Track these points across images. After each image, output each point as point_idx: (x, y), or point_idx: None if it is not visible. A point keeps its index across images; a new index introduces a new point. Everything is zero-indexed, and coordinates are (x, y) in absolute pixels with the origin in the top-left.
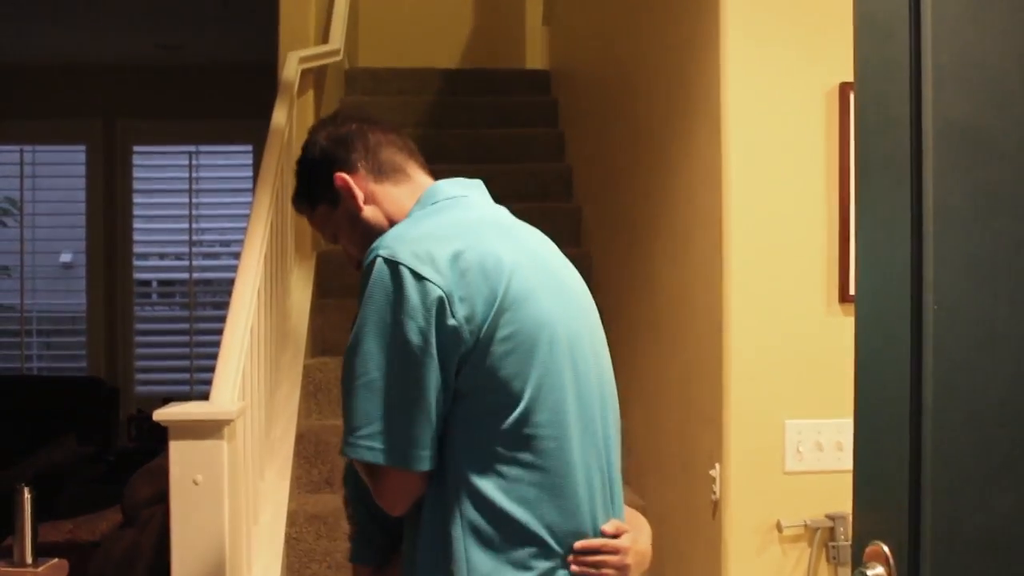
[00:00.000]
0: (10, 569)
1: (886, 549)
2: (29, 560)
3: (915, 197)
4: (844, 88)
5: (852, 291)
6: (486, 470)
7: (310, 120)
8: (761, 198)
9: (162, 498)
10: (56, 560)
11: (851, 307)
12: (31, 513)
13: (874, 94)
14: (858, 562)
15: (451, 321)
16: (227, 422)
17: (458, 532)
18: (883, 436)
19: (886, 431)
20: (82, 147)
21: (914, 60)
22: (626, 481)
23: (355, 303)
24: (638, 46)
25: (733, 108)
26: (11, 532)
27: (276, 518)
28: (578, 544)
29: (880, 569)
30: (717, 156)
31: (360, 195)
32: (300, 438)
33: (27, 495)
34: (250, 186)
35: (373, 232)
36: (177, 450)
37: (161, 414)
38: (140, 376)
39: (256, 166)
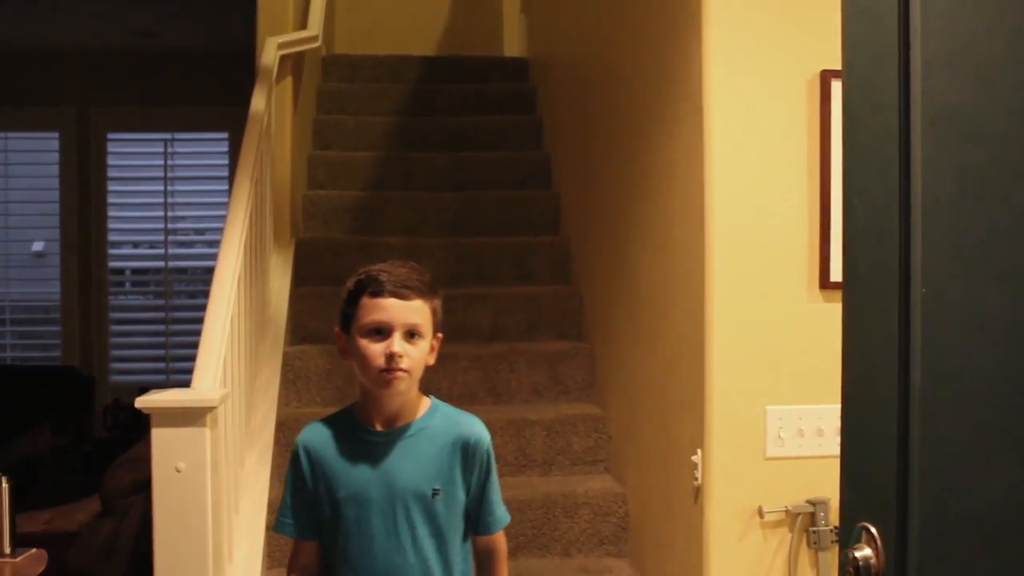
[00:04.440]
0: None
1: (874, 531)
2: (7, 550)
3: (903, 181)
4: (825, 75)
5: (833, 277)
6: None
7: (288, 106)
8: (742, 185)
9: (142, 487)
10: (35, 550)
11: (832, 293)
12: (9, 503)
13: (862, 79)
14: (845, 543)
15: None
16: (210, 409)
17: None
18: (871, 418)
19: (874, 413)
20: (55, 134)
21: (903, 46)
22: (605, 467)
23: (333, 291)
24: (619, 33)
25: (715, 96)
26: None
27: (257, 506)
28: None
29: (868, 551)
30: (699, 144)
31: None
32: (280, 426)
33: (5, 485)
34: (225, 174)
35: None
36: (160, 438)
37: (144, 401)
38: (115, 365)
39: (232, 154)
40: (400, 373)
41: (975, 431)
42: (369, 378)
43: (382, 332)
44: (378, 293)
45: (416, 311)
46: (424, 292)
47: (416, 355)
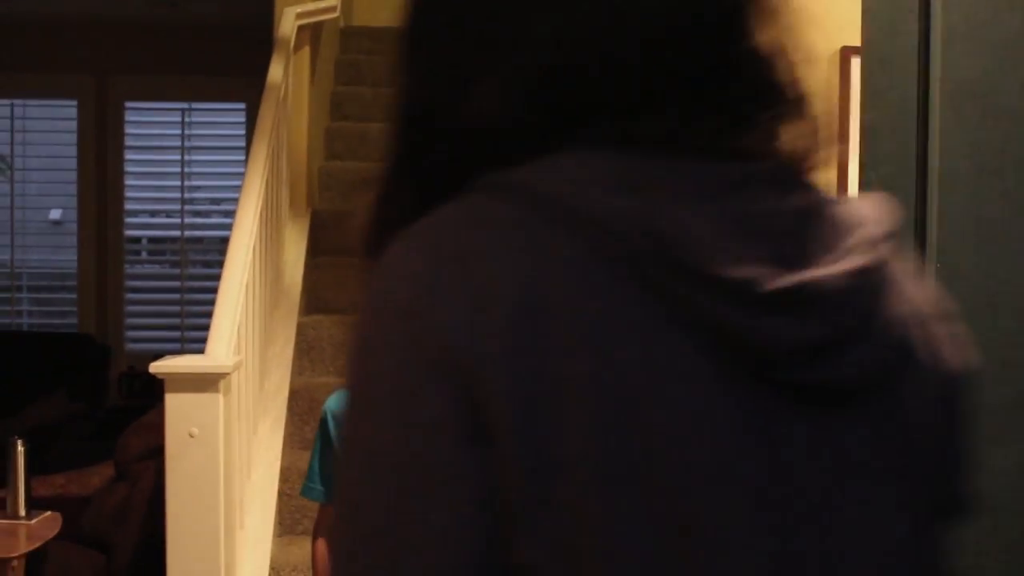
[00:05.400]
0: (3, 521)
1: None
2: (22, 512)
3: (921, 156)
4: (845, 52)
5: None
6: None
7: (305, 78)
8: None
9: (155, 453)
10: (49, 513)
11: None
12: (24, 466)
13: (881, 54)
14: None
15: None
16: (223, 375)
17: None
18: None
19: None
20: (74, 102)
21: (923, 21)
22: None
23: (348, 262)
24: None
25: None
26: (4, 485)
27: (269, 473)
28: None
29: None
30: None
31: None
32: (293, 395)
33: (20, 448)
34: (242, 145)
35: None
36: (173, 403)
37: (157, 367)
38: (131, 334)
39: (249, 124)
40: None
41: (987, 408)
42: None
43: None
44: None
45: None
46: None
47: None
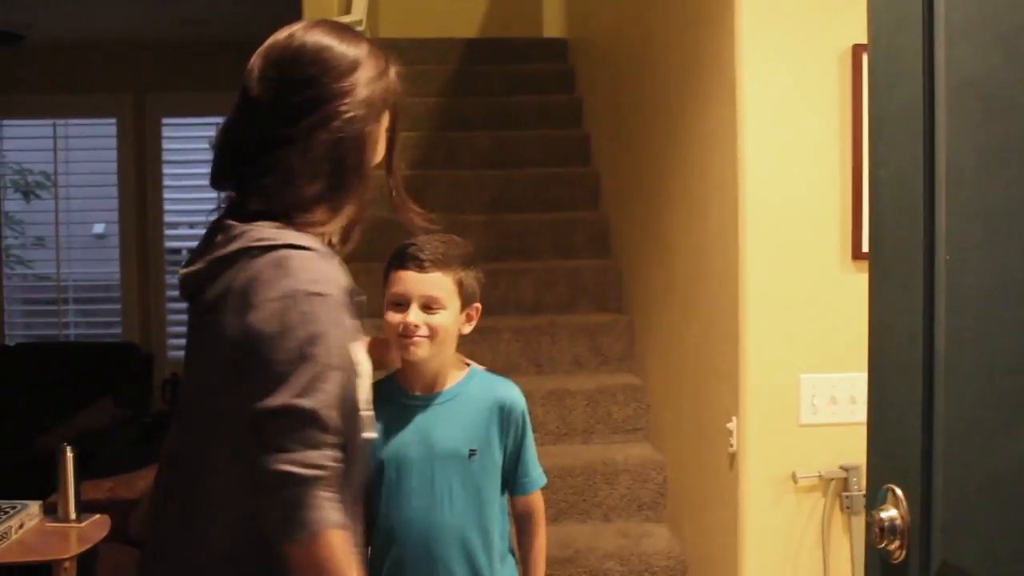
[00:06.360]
0: (55, 524)
1: (899, 492)
2: (73, 516)
3: (927, 150)
4: (857, 50)
5: (865, 248)
6: None
7: None
8: (775, 159)
9: None
10: (98, 516)
11: (864, 264)
12: (74, 471)
13: (887, 50)
14: (872, 505)
15: None
16: None
17: None
18: (897, 383)
19: (900, 378)
20: (113, 120)
21: (927, 16)
22: (644, 436)
23: (377, 267)
24: (654, 12)
25: (748, 71)
26: (55, 490)
27: None
28: None
29: (893, 511)
30: (732, 118)
31: None
32: None
33: (69, 454)
34: None
35: None
36: None
37: None
38: (172, 341)
39: None
40: (418, 339)
41: (999, 396)
42: (395, 346)
43: (401, 304)
44: (399, 266)
45: (434, 283)
46: (446, 265)
47: (437, 323)
